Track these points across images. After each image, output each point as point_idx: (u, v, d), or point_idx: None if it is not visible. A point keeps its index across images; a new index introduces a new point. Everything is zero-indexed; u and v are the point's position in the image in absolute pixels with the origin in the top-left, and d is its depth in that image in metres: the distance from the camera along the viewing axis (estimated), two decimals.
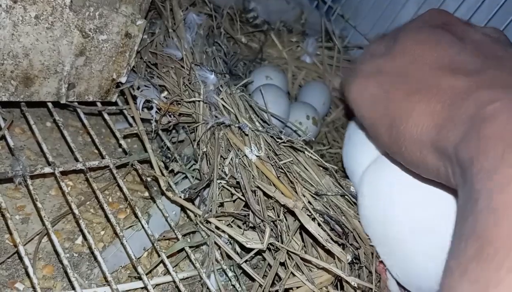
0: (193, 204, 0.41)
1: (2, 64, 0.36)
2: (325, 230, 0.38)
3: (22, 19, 0.35)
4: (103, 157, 0.42)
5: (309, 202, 0.39)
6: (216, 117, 0.42)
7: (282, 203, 0.37)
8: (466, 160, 0.26)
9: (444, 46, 0.34)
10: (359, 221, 0.41)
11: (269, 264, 0.38)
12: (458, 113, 0.29)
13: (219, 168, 0.41)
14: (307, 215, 0.39)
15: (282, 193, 0.38)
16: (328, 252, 0.38)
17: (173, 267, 0.37)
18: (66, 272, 0.34)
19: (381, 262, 0.40)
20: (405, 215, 0.36)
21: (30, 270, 0.31)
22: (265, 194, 0.38)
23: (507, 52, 0.33)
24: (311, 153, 0.43)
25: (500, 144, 0.24)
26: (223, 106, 0.44)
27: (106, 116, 0.46)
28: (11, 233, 0.34)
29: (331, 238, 0.38)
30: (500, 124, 0.25)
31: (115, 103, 0.48)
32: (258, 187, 0.38)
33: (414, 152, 0.32)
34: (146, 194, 0.46)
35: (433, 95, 0.31)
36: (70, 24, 0.38)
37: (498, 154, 0.24)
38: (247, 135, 0.41)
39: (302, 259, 0.37)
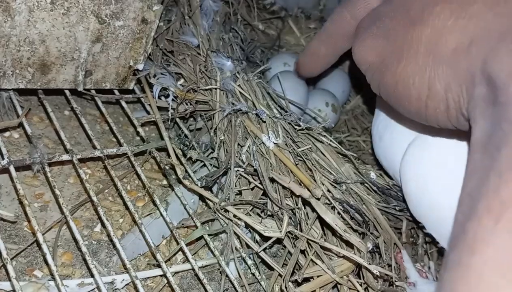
0: (211, 191, 0.41)
1: (18, 50, 0.36)
2: (344, 219, 0.37)
3: (37, 5, 0.34)
4: (121, 145, 0.42)
5: (328, 190, 0.39)
6: (233, 104, 0.41)
7: (298, 194, 0.36)
8: (500, 75, 0.22)
9: None
10: (379, 210, 0.40)
11: (289, 252, 0.38)
12: (482, 23, 0.25)
13: (236, 156, 0.40)
14: (326, 203, 0.38)
15: (300, 181, 0.37)
16: (348, 241, 0.37)
17: (192, 255, 0.37)
18: (85, 260, 0.34)
19: (400, 251, 0.40)
20: (454, 191, 0.35)
21: (49, 257, 0.31)
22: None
23: None
24: (330, 140, 0.43)
25: None
26: (240, 93, 0.43)
27: (123, 104, 0.46)
28: (29, 221, 0.34)
29: (351, 227, 0.37)
30: None
31: (132, 91, 0.47)
32: (272, 178, 0.37)
33: (422, 85, 0.29)
34: (164, 182, 0.46)
35: (441, 9, 0.27)
36: (86, 10, 0.37)
37: None
38: (264, 122, 0.41)
39: (321, 247, 0.37)
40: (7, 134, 0.43)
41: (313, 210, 0.37)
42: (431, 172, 0.36)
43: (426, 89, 0.29)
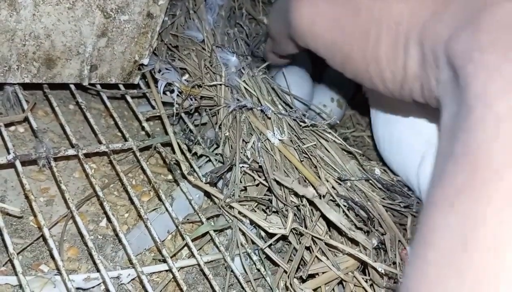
0: (216, 187, 0.41)
1: (24, 45, 0.36)
2: (348, 217, 0.37)
3: None
4: (126, 140, 0.42)
5: (332, 187, 0.39)
6: (238, 100, 0.41)
7: (301, 194, 0.36)
8: (460, 58, 0.21)
9: None
10: (383, 206, 0.40)
11: (294, 248, 0.38)
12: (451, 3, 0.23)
13: (241, 152, 0.40)
14: (331, 200, 0.38)
15: (305, 178, 0.37)
16: (353, 238, 0.37)
17: (197, 250, 0.37)
18: (90, 254, 0.34)
19: (405, 248, 0.40)
20: None
21: (55, 252, 0.31)
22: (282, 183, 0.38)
23: None
24: (335, 137, 0.42)
25: (504, 36, 0.19)
26: (245, 88, 0.43)
27: (129, 99, 0.46)
28: (35, 216, 0.34)
29: (355, 225, 0.37)
30: (505, 12, 0.20)
31: (138, 86, 0.47)
32: (274, 180, 0.37)
33: (392, 63, 0.27)
34: (169, 177, 0.46)
35: None
36: (92, 4, 0.37)
37: (502, 48, 0.19)
38: (269, 118, 0.41)
39: (326, 244, 0.37)
40: (12, 128, 0.43)
41: (317, 208, 0.37)
42: None
43: (401, 71, 0.27)
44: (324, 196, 0.37)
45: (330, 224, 0.38)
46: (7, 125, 0.42)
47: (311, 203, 0.38)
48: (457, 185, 0.18)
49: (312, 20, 0.31)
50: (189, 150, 0.43)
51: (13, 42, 0.35)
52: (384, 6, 0.28)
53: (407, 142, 0.41)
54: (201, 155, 0.44)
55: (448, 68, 0.22)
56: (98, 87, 0.44)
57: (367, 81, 0.31)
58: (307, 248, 0.37)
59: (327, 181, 0.39)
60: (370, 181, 0.42)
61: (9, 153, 0.35)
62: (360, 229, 0.38)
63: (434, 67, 0.24)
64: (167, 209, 0.39)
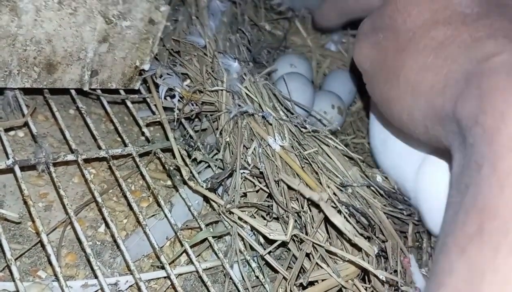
0: (216, 193, 0.41)
1: (24, 50, 0.36)
2: (351, 223, 0.37)
3: (45, 5, 0.34)
4: (125, 145, 0.42)
5: (334, 193, 0.38)
6: (239, 105, 0.41)
7: (307, 197, 0.36)
8: (467, 120, 0.23)
9: None
10: (385, 213, 0.40)
11: (294, 255, 0.38)
12: (455, 66, 0.26)
13: (242, 158, 0.40)
14: (332, 206, 0.38)
15: (307, 184, 0.37)
16: (354, 245, 0.37)
17: (196, 257, 0.37)
18: (88, 260, 0.33)
19: (406, 256, 0.39)
20: None
21: (53, 258, 0.31)
22: (289, 186, 0.38)
23: None
24: (337, 143, 0.42)
25: (504, 100, 0.21)
26: (247, 94, 0.43)
27: (129, 104, 0.46)
28: (33, 221, 0.34)
29: (357, 231, 0.37)
30: (504, 78, 0.22)
31: (138, 91, 0.47)
32: (281, 180, 0.37)
33: (402, 110, 0.30)
34: (169, 182, 0.45)
35: (424, 46, 0.28)
36: (93, 10, 0.37)
37: (503, 112, 0.21)
38: (270, 124, 0.40)
39: (327, 251, 0.36)
40: (12, 133, 0.43)
41: (320, 212, 0.36)
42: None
43: (406, 114, 0.31)
44: (326, 202, 0.37)
45: (331, 230, 0.38)
46: (7, 130, 0.42)
47: (313, 206, 0.37)
48: (468, 234, 0.20)
49: (364, 60, 0.36)
50: (189, 156, 0.43)
51: (14, 47, 0.35)
52: (401, 60, 0.31)
53: (405, 144, 0.40)
54: (200, 161, 0.43)
55: (456, 125, 0.25)
56: (99, 92, 0.44)
57: (392, 119, 0.34)
58: (307, 255, 0.37)
59: (329, 187, 0.39)
60: (372, 188, 0.41)
61: (8, 158, 0.35)
62: (362, 235, 0.38)
63: (442, 121, 0.27)
64: (166, 215, 0.39)
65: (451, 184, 0.24)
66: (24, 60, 0.37)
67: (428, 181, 0.38)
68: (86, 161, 0.40)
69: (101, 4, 0.37)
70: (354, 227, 0.37)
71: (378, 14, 0.34)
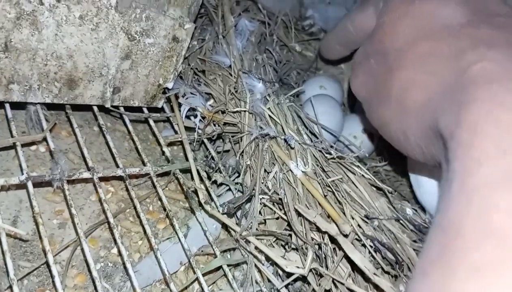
0: (235, 216, 0.39)
1: (45, 64, 0.35)
2: (374, 259, 0.34)
3: (66, 19, 0.34)
4: (144, 164, 0.41)
5: (358, 225, 0.36)
6: (260, 127, 0.39)
7: (324, 230, 0.33)
8: (446, 134, 0.22)
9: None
10: (414, 250, 0.37)
11: (314, 290, 0.35)
12: (437, 80, 0.25)
13: (262, 183, 0.38)
14: (356, 239, 0.35)
15: (328, 215, 0.35)
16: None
17: (209, 285, 0.35)
18: (94, 283, 0.32)
19: None
20: None
21: (57, 280, 0.30)
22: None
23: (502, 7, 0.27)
24: (365, 171, 0.40)
25: (479, 112, 0.20)
26: (270, 116, 0.41)
27: (151, 122, 0.45)
28: (41, 239, 0.33)
29: (382, 268, 0.34)
30: (482, 87, 0.21)
31: (162, 109, 0.46)
32: (296, 210, 0.35)
33: (397, 131, 0.30)
34: (188, 204, 0.44)
35: (411, 63, 0.28)
36: (116, 26, 0.37)
37: (477, 123, 0.20)
38: (293, 148, 0.38)
39: (348, 289, 0.34)
40: (33, 147, 0.43)
41: (340, 247, 0.34)
42: None
43: (401, 134, 0.30)
44: (348, 235, 0.34)
45: (354, 266, 0.35)
46: (29, 144, 0.42)
47: (333, 241, 0.35)
48: (431, 256, 0.19)
49: (360, 88, 0.36)
50: (209, 178, 0.41)
51: (35, 62, 0.35)
52: (391, 81, 0.31)
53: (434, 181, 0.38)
54: (221, 184, 0.42)
55: (441, 142, 0.24)
56: (121, 109, 0.43)
57: (393, 142, 0.34)
58: (327, 291, 0.34)
59: (353, 218, 0.36)
60: (401, 221, 0.38)
61: (22, 174, 0.35)
62: (388, 273, 0.35)
63: (432, 139, 0.26)
64: (180, 240, 0.37)
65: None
66: (45, 75, 0.36)
67: None
68: (104, 179, 0.40)
69: (123, 20, 0.37)
70: (379, 263, 0.34)
71: (368, 41, 0.35)
